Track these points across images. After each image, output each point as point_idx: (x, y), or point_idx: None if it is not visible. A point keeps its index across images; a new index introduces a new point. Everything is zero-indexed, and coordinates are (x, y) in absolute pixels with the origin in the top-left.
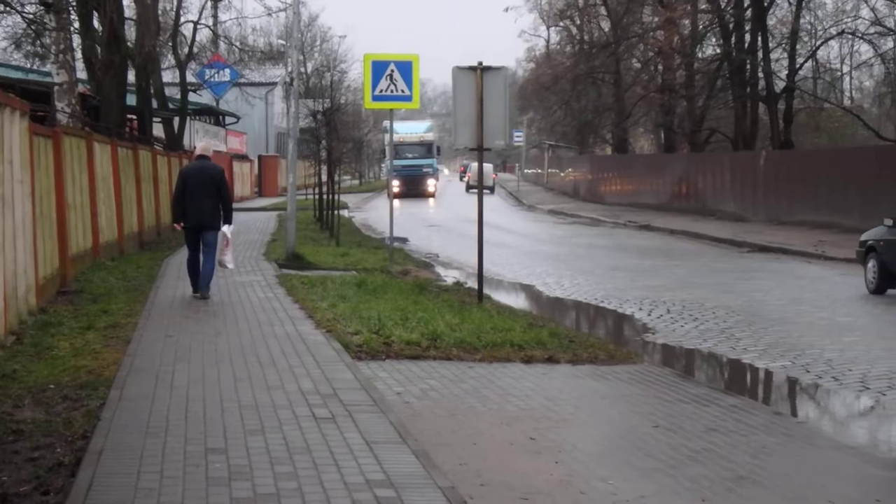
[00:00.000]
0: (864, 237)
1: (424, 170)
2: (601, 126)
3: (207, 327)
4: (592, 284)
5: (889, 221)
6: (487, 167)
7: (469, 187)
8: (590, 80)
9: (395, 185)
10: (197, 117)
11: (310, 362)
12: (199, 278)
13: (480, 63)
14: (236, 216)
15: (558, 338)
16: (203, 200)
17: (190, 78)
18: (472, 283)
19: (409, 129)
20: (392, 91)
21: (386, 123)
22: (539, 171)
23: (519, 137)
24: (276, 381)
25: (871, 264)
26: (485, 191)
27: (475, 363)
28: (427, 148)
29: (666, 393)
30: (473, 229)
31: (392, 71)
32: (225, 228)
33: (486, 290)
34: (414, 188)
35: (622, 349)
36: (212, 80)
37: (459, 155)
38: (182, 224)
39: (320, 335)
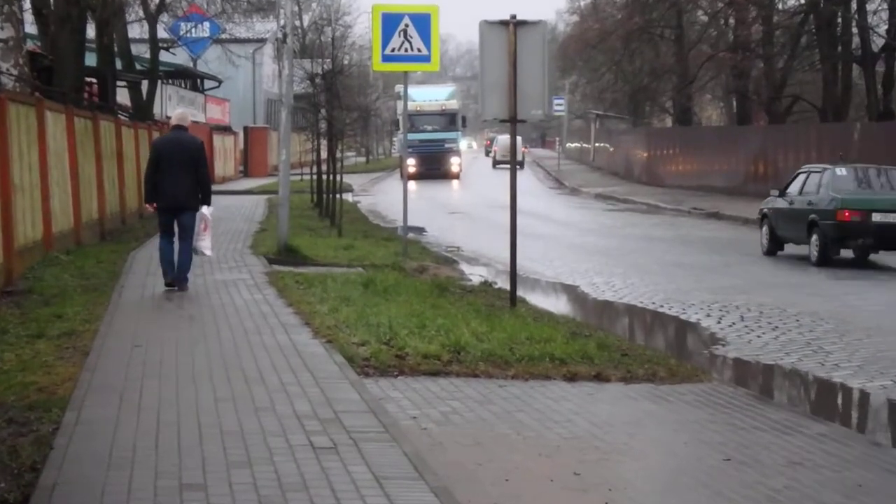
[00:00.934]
0: (761, 206)
1: (446, 145)
2: (660, 92)
3: (183, 335)
4: (649, 285)
5: (775, 192)
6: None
7: (497, 162)
8: (646, 36)
9: (411, 163)
10: (170, 81)
11: (307, 379)
12: (175, 268)
13: (513, 16)
14: (216, 200)
15: (608, 350)
16: (180, 178)
17: (162, 33)
18: (503, 283)
19: (428, 96)
20: (406, 50)
21: (399, 89)
22: (584, 146)
23: (560, 106)
24: (266, 402)
25: (764, 230)
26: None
27: (507, 381)
28: (449, 118)
29: (739, 418)
30: (504, 217)
31: (406, 26)
32: (204, 209)
33: (520, 292)
34: (433, 167)
35: (686, 364)
36: (188, 35)
37: (487, 127)
38: (155, 205)
39: (319, 346)
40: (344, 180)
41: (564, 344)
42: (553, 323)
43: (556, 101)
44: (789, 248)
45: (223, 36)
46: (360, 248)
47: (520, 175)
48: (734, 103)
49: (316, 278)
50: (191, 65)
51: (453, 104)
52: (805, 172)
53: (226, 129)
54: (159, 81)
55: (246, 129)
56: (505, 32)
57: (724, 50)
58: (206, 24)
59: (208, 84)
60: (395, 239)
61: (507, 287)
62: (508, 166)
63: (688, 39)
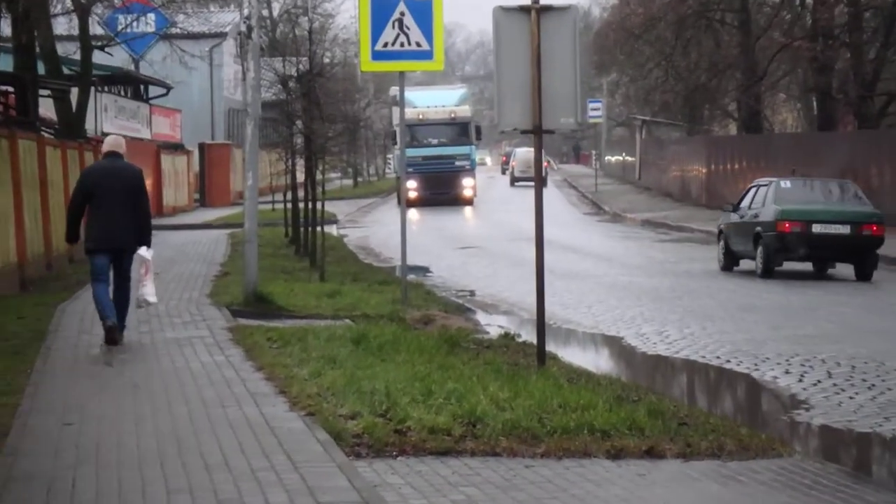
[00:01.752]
0: (718, 222)
1: (457, 163)
2: (721, 92)
3: (126, 409)
4: (713, 335)
5: (728, 207)
6: (532, 153)
7: (515, 179)
8: (703, 22)
9: (411, 186)
10: (106, 88)
11: (282, 463)
12: (115, 311)
13: (536, 1)
14: (167, 237)
15: (662, 418)
16: (117, 214)
17: (96, 29)
18: (529, 336)
19: (433, 101)
20: (403, 45)
21: (394, 93)
22: (627, 160)
23: (596, 112)
24: (232, 494)
25: (720, 245)
26: (533, 182)
27: (536, 460)
28: (461, 129)
29: (829, 502)
30: (528, 251)
31: (402, 14)
32: (143, 251)
33: (550, 347)
34: (440, 191)
35: (760, 435)
36: (128, 31)
37: (505, 139)
38: (88, 247)
39: (298, 420)
40: (327, 209)
41: (607, 412)
42: (592, 385)
43: (591, 106)
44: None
45: (172, 31)
46: (348, 295)
47: (547, 197)
48: (814, 104)
49: (293, 334)
50: (132, 67)
51: (465, 111)
52: (755, 186)
53: (177, 148)
54: (93, 89)
55: (202, 146)
56: (526, 21)
57: (801, 38)
58: (151, 17)
59: (154, 91)
60: (393, 282)
61: (534, 340)
62: (529, 183)
63: (756, 25)
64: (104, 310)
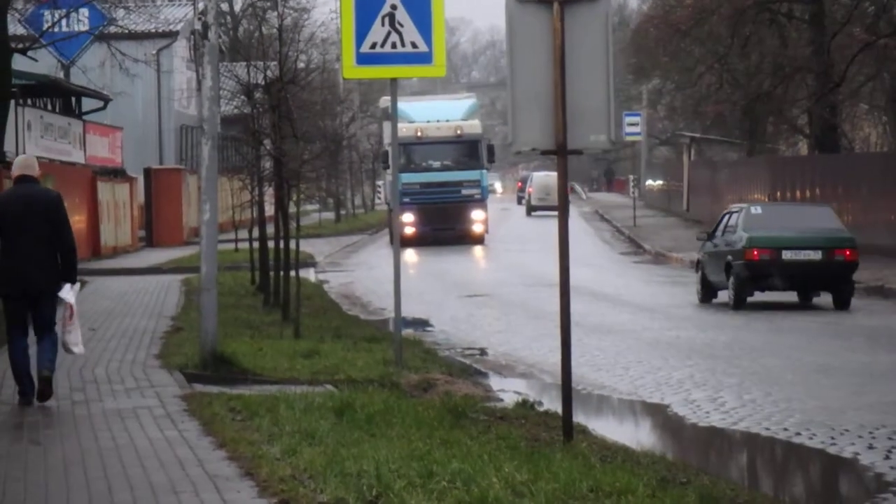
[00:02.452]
0: (697, 253)
1: (464, 191)
2: (789, 102)
3: (54, 498)
4: (779, 402)
5: (703, 236)
6: (553, 177)
7: (532, 208)
8: (765, 15)
9: (407, 220)
10: (30, 101)
11: None
12: (36, 379)
13: None
14: (106, 283)
15: None
16: (32, 250)
17: (17, 28)
18: (553, 404)
19: (435, 114)
20: (395, 45)
21: (385, 104)
22: (673, 184)
23: (634, 127)
24: None
25: (698, 276)
26: (553, 212)
27: None
28: (469, 149)
29: None
30: (551, 300)
31: (394, 7)
32: (66, 292)
33: (580, 417)
34: (443, 226)
35: None
36: (56, 30)
37: (522, 161)
38: None
39: None
40: (303, 249)
41: (649, 497)
42: (631, 464)
43: (628, 120)
44: None
45: (111, 30)
46: (329, 355)
47: (573, 231)
48: None
49: (262, 403)
50: (61, 75)
51: (474, 126)
52: (728, 213)
53: (118, 174)
54: (13, 101)
55: (148, 171)
56: (547, 15)
57: (888, 34)
58: (85, 13)
59: (89, 104)
60: (384, 339)
61: (559, 409)
62: (548, 212)
63: (831, 20)
64: (21, 379)
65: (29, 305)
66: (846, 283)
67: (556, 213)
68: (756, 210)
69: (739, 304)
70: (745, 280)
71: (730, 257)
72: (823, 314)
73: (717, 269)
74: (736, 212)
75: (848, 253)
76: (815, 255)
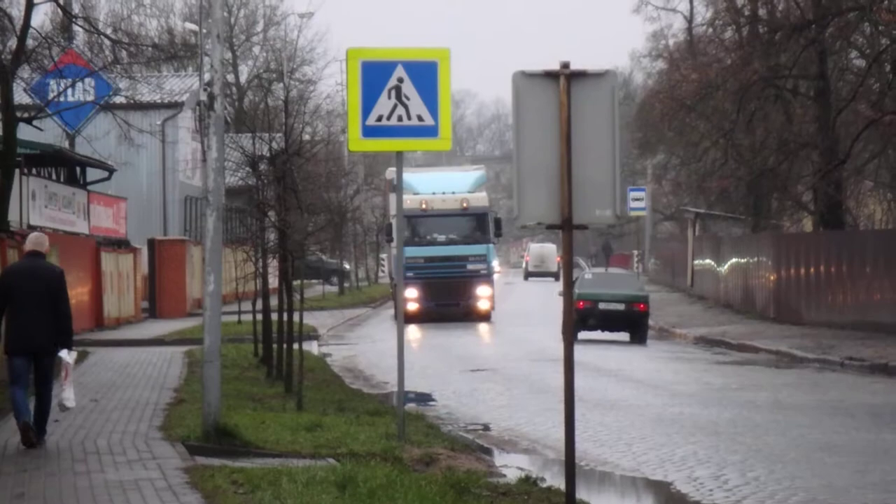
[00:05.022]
0: None
1: (470, 266)
2: (793, 178)
3: None
4: (783, 481)
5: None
6: (549, 248)
7: (529, 274)
8: (771, 90)
9: (411, 296)
10: (34, 170)
11: None
12: (32, 414)
13: (566, 64)
14: (108, 354)
15: None
16: (37, 315)
17: (22, 97)
18: (556, 480)
19: (440, 186)
20: (401, 118)
21: (390, 175)
22: (678, 260)
23: (639, 202)
24: None
25: None
26: (548, 278)
27: None
28: (476, 222)
29: None
30: (554, 375)
31: (400, 80)
32: (63, 354)
33: (582, 494)
34: (448, 302)
35: None
36: (61, 100)
37: (527, 235)
38: (6, 348)
39: None
40: (306, 321)
41: None
42: None
43: (633, 195)
44: None
45: (116, 100)
46: (331, 429)
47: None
48: None
49: (264, 477)
50: (66, 145)
51: (481, 199)
52: (581, 276)
53: (121, 244)
54: (17, 171)
55: (152, 242)
56: (553, 89)
57: (893, 111)
58: (90, 82)
59: (94, 174)
60: (387, 413)
61: (562, 486)
62: (543, 278)
63: (836, 96)
64: (18, 408)
65: (30, 362)
66: (641, 326)
67: (549, 277)
68: (588, 275)
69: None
70: (576, 321)
71: None
72: (825, 391)
73: None
74: (579, 275)
75: (642, 306)
76: (620, 306)
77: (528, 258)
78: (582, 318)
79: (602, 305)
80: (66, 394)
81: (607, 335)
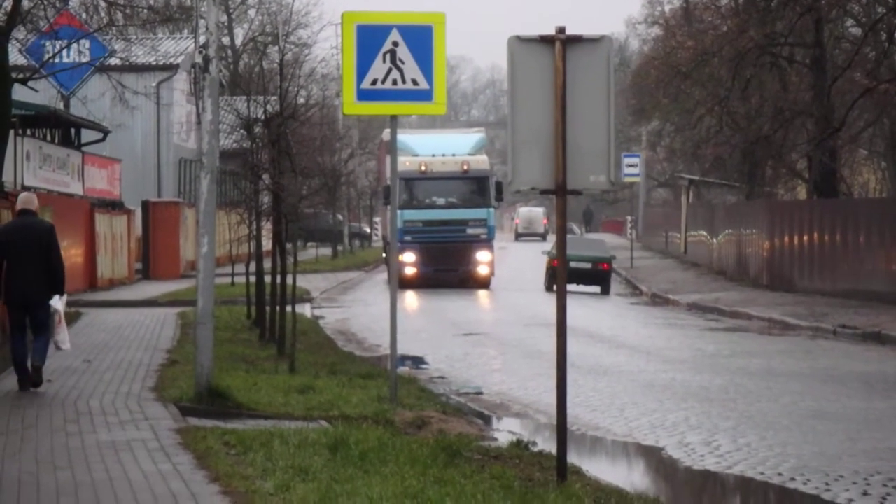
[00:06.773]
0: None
1: (470, 230)
2: (788, 146)
3: None
4: (774, 447)
5: (552, 252)
6: (536, 212)
7: (519, 235)
8: (767, 58)
9: (408, 260)
10: (29, 131)
11: None
12: (30, 360)
13: (561, 29)
14: (101, 316)
15: None
16: (30, 269)
17: (17, 58)
18: (547, 445)
19: (440, 147)
20: (396, 82)
21: (386, 136)
22: (671, 227)
23: (633, 168)
24: None
25: (548, 274)
26: (535, 237)
27: None
28: (476, 185)
29: None
30: (546, 340)
31: (395, 44)
32: (55, 301)
33: (574, 458)
34: (447, 268)
35: None
36: (56, 61)
37: (520, 199)
38: (4, 300)
39: None
40: (299, 284)
41: None
42: None
43: (627, 161)
44: None
45: (111, 62)
46: (323, 391)
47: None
48: None
49: (256, 438)
50: (61, 106)
51: (482, 161)
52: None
53: (115, 206)
54: (12, 131)
55: (146, 204)
56: (549, 54)
57: (889, 80)
58: (86, 44)
59: (88, 136)
60: (379, 376)
61: (553, 450)
62: (531, 238)
63: (832, 64)
64: (19, 369)
65: (26, 311)
66: (605, 281)
67: (536, 237)
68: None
69: (549, 289)
70: (550, 277)
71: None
72: (817, 359)
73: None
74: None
75: (605, 265)
76: (587, 265)
77: (518, 221)
78: (553, 273)
79: (573, 264)
80: (61, 336)
81: (581, 288)
